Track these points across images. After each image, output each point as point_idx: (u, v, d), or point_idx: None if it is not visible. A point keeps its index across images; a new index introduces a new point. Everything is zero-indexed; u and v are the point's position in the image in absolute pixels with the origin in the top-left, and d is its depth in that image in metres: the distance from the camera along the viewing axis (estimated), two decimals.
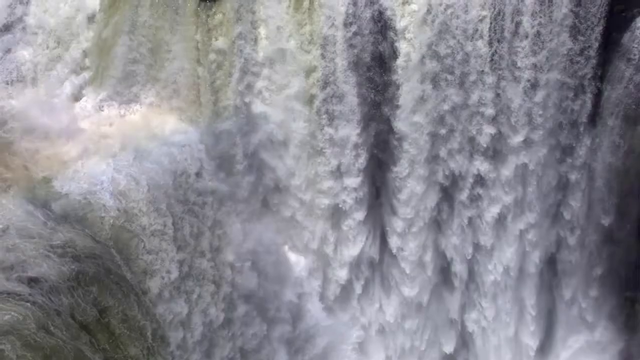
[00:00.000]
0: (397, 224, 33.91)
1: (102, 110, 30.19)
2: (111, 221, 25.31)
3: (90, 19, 31.24)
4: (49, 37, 31.73)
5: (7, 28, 30.56)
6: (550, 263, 34.41)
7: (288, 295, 32.72)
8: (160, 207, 26.73)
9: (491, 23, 30.34)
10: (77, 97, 30.81)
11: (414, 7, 30.31)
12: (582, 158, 32.54)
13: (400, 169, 32.99)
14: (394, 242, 34.08)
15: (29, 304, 22.02)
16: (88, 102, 30.60)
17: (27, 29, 31.63)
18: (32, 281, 22.81)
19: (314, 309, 33.60)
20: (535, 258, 34.08)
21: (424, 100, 31.74)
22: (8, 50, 30.46)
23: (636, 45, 30.35)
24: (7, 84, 29.81)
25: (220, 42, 30.42)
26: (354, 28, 30.20)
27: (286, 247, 33.10)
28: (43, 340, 21.52)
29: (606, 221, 32.62)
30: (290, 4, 30.03)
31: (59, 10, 31.71)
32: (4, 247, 22.63)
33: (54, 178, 25.61)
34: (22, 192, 24.71)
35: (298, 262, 33.23)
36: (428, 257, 34.35)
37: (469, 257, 34.45)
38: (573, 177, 32.85)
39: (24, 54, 31.02)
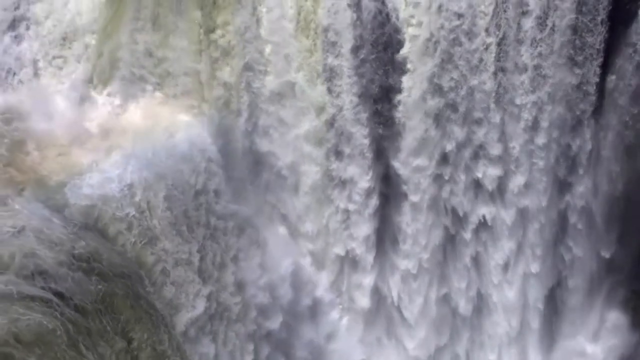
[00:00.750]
0: (399, 275, 29.75)
1: (110, 110, 24.92)
2: (132, 239, 19.58)
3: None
4: (53, 40, 26.83)
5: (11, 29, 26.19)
6: (550, 298, 30.43)
7: (313, 333, 28.19)
8: (181, 229, 21.24)
9: (497, 52, 25.93)
10: (83, 98, 25.61)
11: (414, 30, 25.80)
12: (582, 199, 28.79)
13: (403, 217, 28.92)
14: (395, 291, 29.77)
15: (57, 314, 15.92)
16: (96, 100, 25.80)
17: (31, 30, 26.81)
18: (57, 295, 17.95)
19: (341, 346, 28.96)
20: (539, 303, 30.10)
21: (425, 142, 27.56)
22: (11, 52, 26.04)
23: (630, 68, 26.74)
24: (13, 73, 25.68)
25: (226, 74, 25.17)
26: (362, 54, 25.64)
27: (310, 279, 28.23)
28: None
29: (607, 254, 29.12)
30: (297, 27, 25.35)
31: (63, 17, 26.72)
32: (22, 251, 16.84)
33: (67, 182, 21.32)
34: (36, 195, 20.58)
35: (323, 297, 28.59)
36: (431, 304, 30.02)
37: (474, 302, 30.38)
38: (573, 219, 29.05)
39: (28, 53, 26.31)
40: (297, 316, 27.69)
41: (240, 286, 24.92)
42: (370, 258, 29.14)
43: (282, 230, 27.93)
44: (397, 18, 26.40)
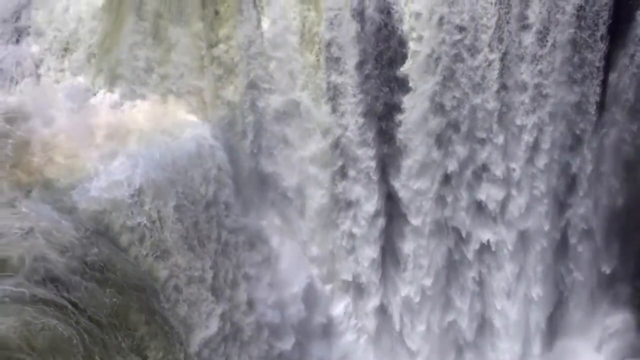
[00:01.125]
0: (402, 300, 27.76)
1: (117, 108, 23.25)
2: (144, 252, 17.47)
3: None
4: (55, 51, 24.77)
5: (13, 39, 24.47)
6: (552, 318, 28.63)
7: (326, 353, 26.26)
8: (192, 243, 19.21)
9: (500, 68, 24.42)
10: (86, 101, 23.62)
11: (415, 46, 24.22)
12: (583, 220, 27.05)
13: (405, 241, 26.99)
14: (398, 315, 27.88)
15: (72, 322, 13.78)
16: (99, 103, 23.70)
17: (32, 33, 24.80)
18: (71, 304, 15.17)
19: None
20: (542, 324, 28.33)
21: (427, 164, 25.90)
22: (13, 61, 24.11)
23: (627, 81, 25.16)
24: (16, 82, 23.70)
25: (230, 93, 23.34)
26: (366, 70, 23.96)
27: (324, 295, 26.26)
28: None
29: (608, 269, 27.46)
30: (302, 41, 23.62)
31: (65, 22, 24.68)
32: (31, 254, 14.76)
33: (75, 185, 19.66)
34: (43, 197, 18.90)
35: (337, 315, 26.68)
36: (434, 331, 28.13)
37: (477, 326, 28.45)
38: (574, 240, 27.27)
39: (29, 62, 24.24)
40: (310, 335, 25.82)
41: (252, 305, 23.08)
42: (376, 280, 27.26)
43: (293, 244, 25.71)
44: (402, 30, 24.62)
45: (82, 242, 17.16)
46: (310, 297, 25.51)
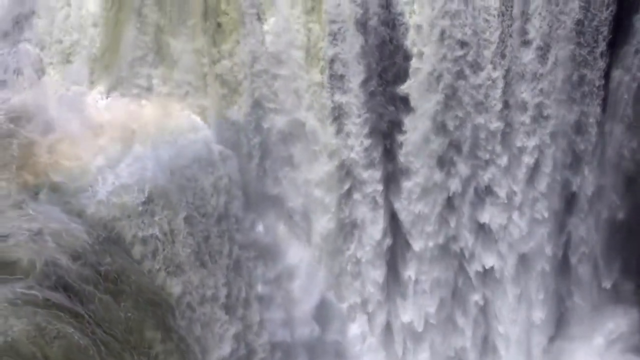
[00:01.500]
0: (402, 326, 26.30)
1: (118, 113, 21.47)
2: (157, 266, 15.85)
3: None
4: (57, 53, 22.86)
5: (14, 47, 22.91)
6: (554, 336, 27.27)
7: None
8: (204, 258, 17.75)
9: (503, 87, 23.22)
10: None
11: (416, 63, 22.96)
12: (583, 242, 25.86)
13: (408, 270, 25.57)
14: (400, 344, 26.40)
15: (89, 332, 12.06)
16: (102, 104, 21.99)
17: (34, 42, 22.90)
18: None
19: None
20: (544, 344, 27.00)
21: (429, 188, 24.54)
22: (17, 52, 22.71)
23: (626, 97, 23.91)
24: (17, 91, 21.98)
25: (234, 112, 21.80)
26: (371, 87, 22.59)
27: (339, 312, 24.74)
28: None
29: (608, 284, 26.23)
30: (307, 56, 22.20)
31: (67, 31, 22.86)
32: (42, 258, 12.98)
33: (83, 187, 18.38)
34: (51, 200, 17.65)
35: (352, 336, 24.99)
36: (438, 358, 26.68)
37: (481, 350, 26.99)
38: (574, 260, 26.03)
39: (32, 63, 22.53)
40: (323, 355, 24.20)
41: (265, 324, 21.52)
42: (382, 301, 25.73)
43: (305, 260, 24.04)
44: (407, 45, 23.38)
45: (95, 248, 15.56)
46: (323, 315, 23.97)
